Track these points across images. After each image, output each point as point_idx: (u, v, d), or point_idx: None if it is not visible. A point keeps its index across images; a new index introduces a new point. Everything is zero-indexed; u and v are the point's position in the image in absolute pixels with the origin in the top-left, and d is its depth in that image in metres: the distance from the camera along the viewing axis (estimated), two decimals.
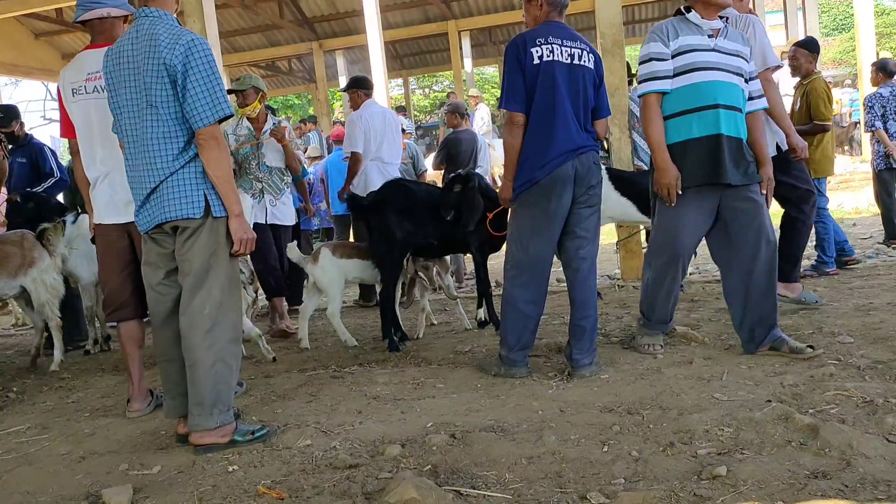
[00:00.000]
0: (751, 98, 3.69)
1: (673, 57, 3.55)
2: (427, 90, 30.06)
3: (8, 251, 4.77)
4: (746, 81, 3.64)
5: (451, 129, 7.43)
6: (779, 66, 4.28)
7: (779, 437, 2.52)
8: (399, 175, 5.92)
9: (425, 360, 4.10)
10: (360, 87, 6.02)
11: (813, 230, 5.17)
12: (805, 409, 2.77)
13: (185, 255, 2.88)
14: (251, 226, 4.92)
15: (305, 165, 6.90)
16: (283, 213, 5.48)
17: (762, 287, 3.61)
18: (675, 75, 3.55)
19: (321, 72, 17.39)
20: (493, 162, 9.66)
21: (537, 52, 3.43)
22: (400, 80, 23.16)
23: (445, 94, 22.86)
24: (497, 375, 3.61)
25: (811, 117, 5.51)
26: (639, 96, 3.70)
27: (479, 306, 4.97)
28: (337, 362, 3.97)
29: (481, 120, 12.69)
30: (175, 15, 2.97)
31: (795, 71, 5.74)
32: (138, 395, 3.52)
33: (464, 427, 2.87)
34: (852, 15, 14.92)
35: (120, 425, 3.36)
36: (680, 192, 3.53)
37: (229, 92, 5.03)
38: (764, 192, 3.66)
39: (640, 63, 3.62)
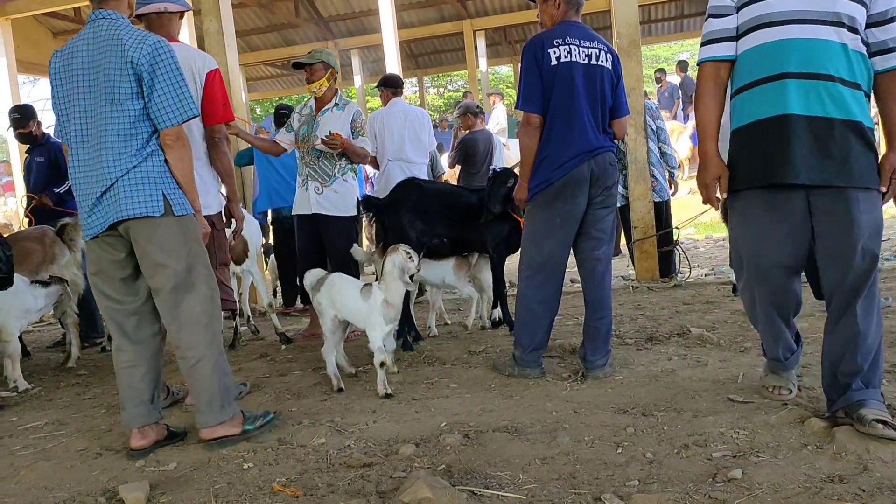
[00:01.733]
0: (883, 51, 2.55)
1: (738, 10, 2.67)
2: (442, 89, 30.05)
3: (29, 247, 4.82)
4: (854, 31, 2.51)
5: (466, 130, 7.42)
6: None
7: (794, 441, 2.51)
8: (425, 175, 5.89)
9: (439, 360, 4.11)
10: (386, 85, 6.05)
11: None
12: (821, 412, 2.75)
13: (157, 259, 2.80)
14: (296, 216, 4.91)
15: None
16: (332, 201, 4.82)
17: (842, 325, 2.60)
18: (740, 35, 2.68)
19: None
20: (507, 161, 9.64)
21: (555, 52, 3.42)
22: (414, 80, 23.15)
23: (461, 93, 22.84)
24: (511, 376, 3.61)
25: None
26: (698, 64, 2.87)
27: (494, 306, 4.97)
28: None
29: (496, 118, 12.69)
30: (128, 18, 2.92)
31: None
32: None
33: (477, 427, 2.87)
34: None
35: None
36: (721, 197, 2.76)
37: (297, 66, 4.88)
38: (884, 189, 2.56)
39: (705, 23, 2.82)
